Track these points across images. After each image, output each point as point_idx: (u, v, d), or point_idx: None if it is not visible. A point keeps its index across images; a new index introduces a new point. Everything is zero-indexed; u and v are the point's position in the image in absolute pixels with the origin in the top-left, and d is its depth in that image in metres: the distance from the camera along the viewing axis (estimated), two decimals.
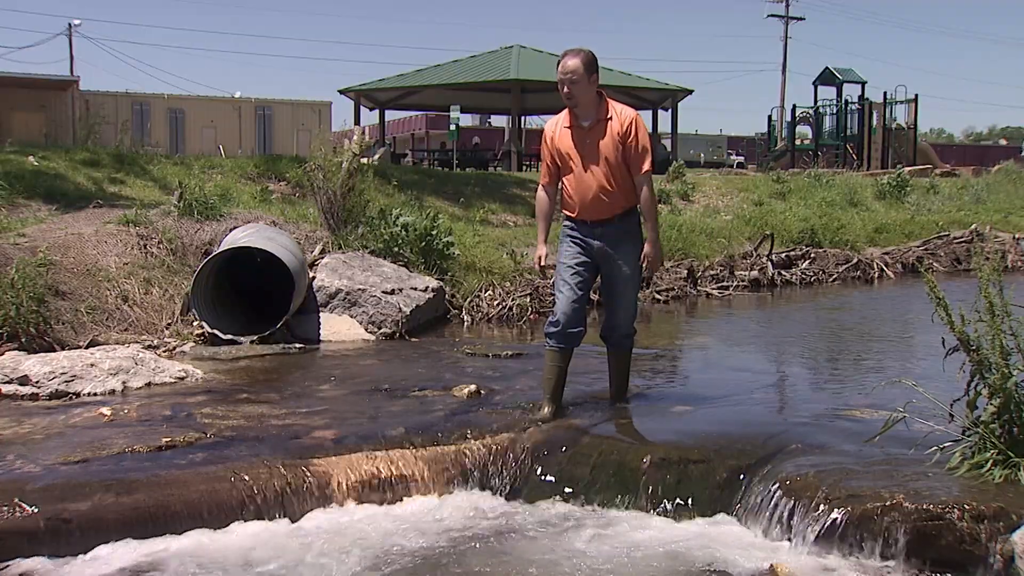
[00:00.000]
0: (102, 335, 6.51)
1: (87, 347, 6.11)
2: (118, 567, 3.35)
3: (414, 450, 4.23)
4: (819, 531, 3.37)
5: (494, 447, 4.30)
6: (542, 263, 4.90)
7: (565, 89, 4.50)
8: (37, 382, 5.23)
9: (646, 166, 4.57)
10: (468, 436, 4.39)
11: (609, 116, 4.56)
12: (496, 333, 7.92)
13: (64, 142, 18.35)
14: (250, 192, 10.82)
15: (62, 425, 4.54)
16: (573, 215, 4.69)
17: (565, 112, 4.68)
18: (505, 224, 12.40)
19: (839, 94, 31.97)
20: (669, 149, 25.45)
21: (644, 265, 4.72)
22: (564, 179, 4.68)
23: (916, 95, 30.77)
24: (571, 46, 4.60)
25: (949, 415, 3.73)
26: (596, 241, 4.64)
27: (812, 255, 12.04)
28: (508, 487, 4.15)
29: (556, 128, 4.68)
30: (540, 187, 4.84)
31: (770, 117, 37.11)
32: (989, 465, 3.49)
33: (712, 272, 10.83)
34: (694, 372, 6.38)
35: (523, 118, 29.28)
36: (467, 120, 38.87)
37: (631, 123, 4.55)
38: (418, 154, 30.92)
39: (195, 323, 6.92)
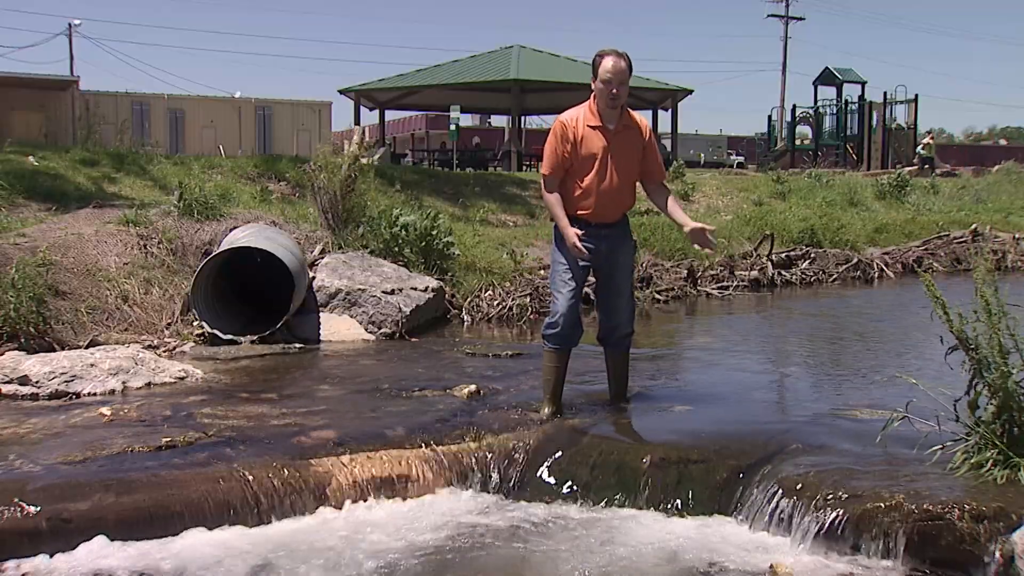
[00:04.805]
0: (102, 335, 6.51)
1: (87, 347, 6.11)
2: (118, 568, 3.35)
3: (414, 450, 4.23)
4: (819, 531, 3.38)
5: (494, 447, 4.30)
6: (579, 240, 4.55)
7: (615, 90, 4.48)
8: (37, 382, 5.23)
9: (664, 174, 4.89)
10: (468, 436, 4.39)
11: (632, 124, 4.64)
12: (496, 333, 7.92)
13: (64, 142, 18.33)
14: (250, 192, 10.82)
15: (62, 425, 4.54)
16: (586, 215, 4.60)
17: (584, 110, 4.61)
18: (505, 224, 12.39)
19: (839, 94, 32.02)
20: (669, 149, 25.46)
21: (705, 235, 4.56)
22: (578, 179, 4.58)
23: (916, 95, 30.85)
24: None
25: (955, 415, 3.72)
26: (602, 243, 4.62)
27: (812, 255, 12.03)
28: (508, 487, 4.15)
29: (579, 127, 4.57)
30: (547, 181, 4.66)
31: (770, 117, 37.20)
32: (989, 465, 3.49)
33: (712, 272, 10.82)
34: (694, 372, 6.38)
35: (523, 118, 29.28)
36: (467, 120, 38.86)
37: (650, 132, 4.74)
38: (418, 154, 30.91)
39: (195, 323, 6.92)
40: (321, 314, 7.34)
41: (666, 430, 4.50)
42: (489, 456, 4.25)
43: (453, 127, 22.77)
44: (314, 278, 7.55)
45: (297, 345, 6.83)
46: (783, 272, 11.37)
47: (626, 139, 4.60)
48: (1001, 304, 3.58)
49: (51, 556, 3.37)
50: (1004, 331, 3.56)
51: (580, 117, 4.62)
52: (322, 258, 8.01)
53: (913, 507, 3.25)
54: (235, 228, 8.08)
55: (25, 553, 3.36)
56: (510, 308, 8.47)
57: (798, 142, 33.15)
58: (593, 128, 4.57)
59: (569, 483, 4.09)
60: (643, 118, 4.76)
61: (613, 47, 4.56)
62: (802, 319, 9.10)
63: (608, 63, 4.49)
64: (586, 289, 4.86)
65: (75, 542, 3.43)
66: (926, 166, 25.35)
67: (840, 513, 3.36)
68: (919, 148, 27.53)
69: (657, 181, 4.78)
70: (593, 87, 4.57)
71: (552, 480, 4.13)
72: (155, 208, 8.79)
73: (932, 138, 28.58)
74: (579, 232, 4.59)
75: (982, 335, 3.61)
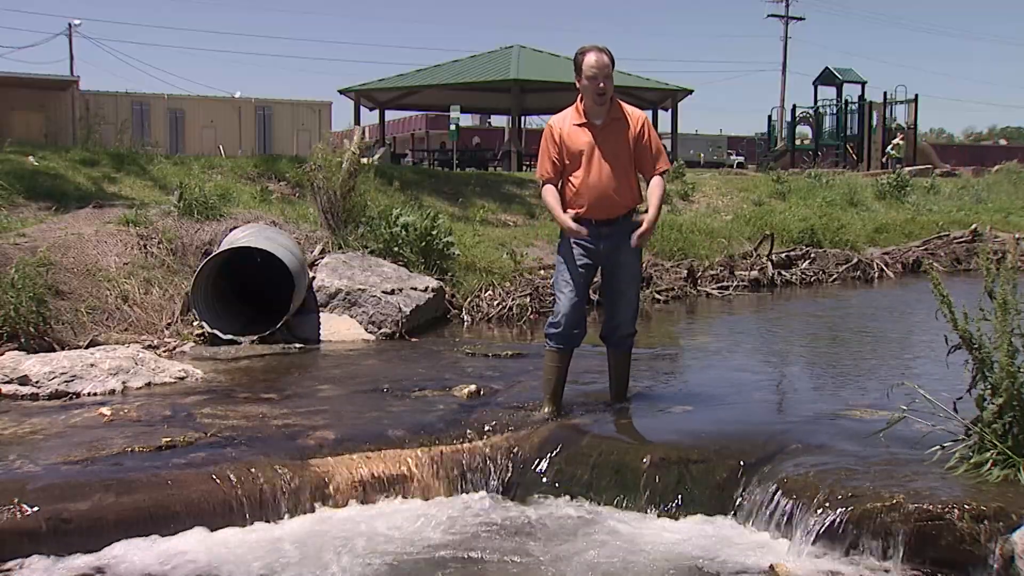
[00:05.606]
0: (102, 335, 6.50)
1: (87, 347, 6.11)
2: (118, 568, 3.35)
3: (414, 450, 4.23)
4: (819, 531, 3.37)
5: (494, 447, 4.30)
6: (572, 220, 4.56)
7: (600, 85, 4.49)
8: (37, 382, 5.23)
9: (663, 165, 4.70)
10: (468, 436, 4.39)
11: (620, 116, 4.61)
12: (496, 333, 7.92)
13: (64, 142, 18.34)
14: (250, 192, 10.82)
15: (62, 425, 4.54)
16: (581, 213, 4.61)
17: (571, 110, 4.65)
18: (505, 224, 12.40)
19: (839, 94, 32.02)
20: (669, 149, 25.45)
21: (635, 237, 4.54)
22: (572, 177, 4.60)
23: (916, 95, 30.85)
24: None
25: (955, 415, 3.71)
26: (602, 241, 4.62)
27: (812, 255, 12.04)
28: (508, 487, 4.15)
29: (566, 125, 4.62)
30: (544, 182, 4.70)
31: (770, 117, 37.19)
32: (989, 465, 3.49)
33: (712, 272, 10.82)
34: (694, 372, 6.38)
35: (523, 118, 29.27)
36: (467, 120, 38.86)
37: (644, 123, 4.65)
38: (418, 154, 30.92)
39: (195, 323, 6.92)
40: (321, 314, 7.34)
41: (666, 430, 4.50)
42: (489, 456, 4.25)
43: (453, 127, 22.77)
44: (314, 278, 7.55)
45: (297, 345, 6.83)
46: (783, 272, 11.37)
47: (614, 132, 4.58)
48: (1015, 303, 3.56)
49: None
50: (1016, 330, 3.55)
51: (567, 117, 4.66)
52: (322, 258, 8.01)
53: (913, 507, 3.24)
54: (235, 228, 8.08)
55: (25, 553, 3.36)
56: (510, 308, 8.47)
57: (798, 142, 33.15)
58: (579, 126, 4.59)
59: (569, 483, 4.09)
60: (639, 111, 4.71)
61: (593, 43, 4.57)
62: (802, 319, 9.10)
63: (591, 59, 4.50)
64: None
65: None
66: (897, 166, 25.01)
67: (840, 513, 3.35)
68: (889, 148, 27.34)
69: (649, 174, 4.67)
70: (579, 85, 4.59)
71: (552, 480, 4.13)
72: (155, 208, 8.79)
73: (903, 138, 28.29)
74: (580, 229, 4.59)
75: (989, 334, 3.60)
